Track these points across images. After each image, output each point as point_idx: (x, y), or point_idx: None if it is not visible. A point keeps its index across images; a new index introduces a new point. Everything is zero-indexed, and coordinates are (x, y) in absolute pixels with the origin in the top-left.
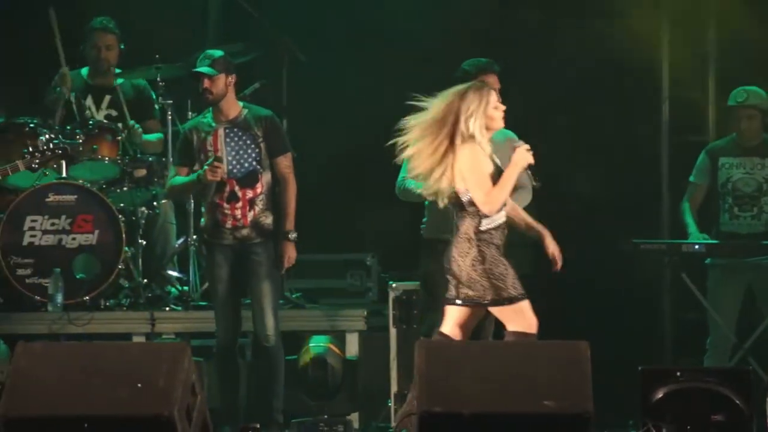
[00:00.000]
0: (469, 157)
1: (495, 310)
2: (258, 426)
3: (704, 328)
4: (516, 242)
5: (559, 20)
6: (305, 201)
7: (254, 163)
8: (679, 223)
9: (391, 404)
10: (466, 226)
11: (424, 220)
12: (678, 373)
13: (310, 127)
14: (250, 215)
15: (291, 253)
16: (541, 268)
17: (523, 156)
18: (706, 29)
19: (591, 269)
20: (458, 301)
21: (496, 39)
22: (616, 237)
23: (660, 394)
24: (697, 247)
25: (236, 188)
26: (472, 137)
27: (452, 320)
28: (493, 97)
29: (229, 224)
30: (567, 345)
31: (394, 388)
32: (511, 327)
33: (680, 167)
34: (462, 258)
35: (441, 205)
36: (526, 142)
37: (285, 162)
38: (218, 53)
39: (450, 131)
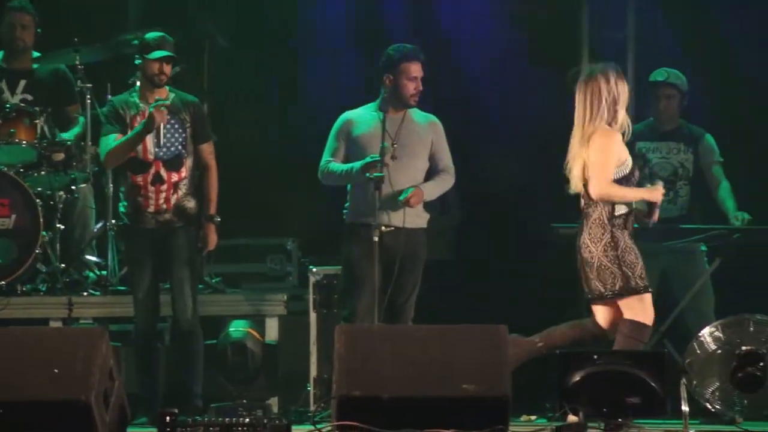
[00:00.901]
0: (600, 141)
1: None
2: (176, 411)
3: None
4: (435, 228)
5: (477, 3)
6: (225, 185)
7: (180, 147)
8: None
9: (311, 388)
10: (600, 211)
11: (347, 204)
12: (595, 356)
13: (230, 111)
14: (174, 199)
15: (213, 237)
16: (460, 253)
17: (657, 193)
18: (626, 12)
19: (511, 253)
20: (589, 296)
21: (415, 25)
22: (536, 221)
23: (577, 377)
24: None
25: (162, 171)
26: (606, 123)
27: (597, 314)
28: (623, 81)
29: (151, 208)
30: (486, 329)
31: (313, 373)
32: (629, 316)
33: None
34: (594, 244)
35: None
36: (447, 127)
37: (209, 149)
38: (170, 38)
39: (586, 117)
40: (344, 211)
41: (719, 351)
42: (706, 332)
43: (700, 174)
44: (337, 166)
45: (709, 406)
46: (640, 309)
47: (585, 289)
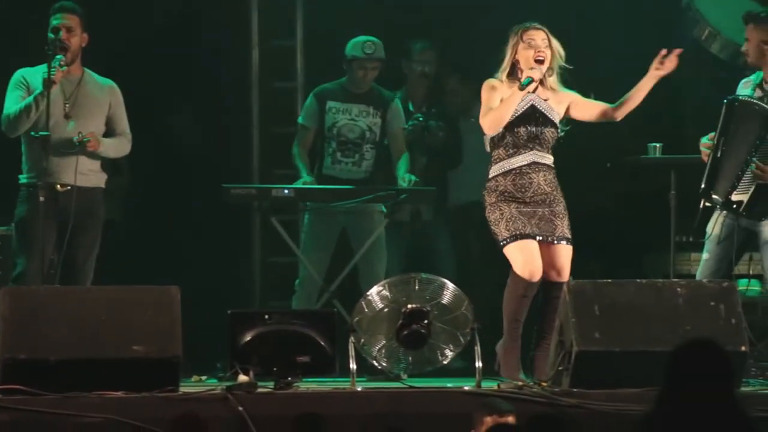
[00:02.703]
0: (482, 91)
1: None
2: None
3: (294, 271)
4: (109, 189)
5: None
6: None
7: None
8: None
9: None
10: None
11: (25, 167)
12: (266, 316)
13: None
14: None
15: None
16: (134, 215)
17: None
18: None
19: (182, 214)
20: None
21: None
22: (208, 181)
23: (248, 337)
24: (286, 192)
25: None
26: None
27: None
28: (527, 36)
29: None
30: (157, 290)
31: None
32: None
33: (269, 112)
34: None
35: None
36: (124, 86)
37: None
38: None
39: None
40: (21, 173)
41: (386, 309)
42: (374, 291)
43: (386, 138)
44: (18, 105)
45: (376, 364)
46: (513, 261)
47: None
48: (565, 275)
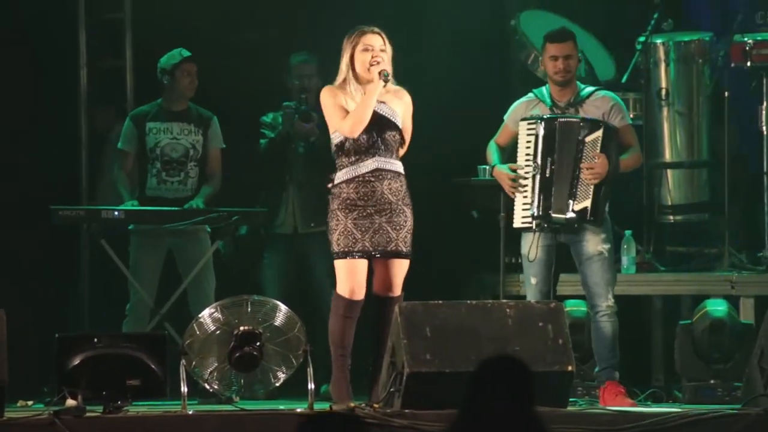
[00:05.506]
0: (321, 100)
1: None
2: None
3: (125, 293)
4: None
5: None
6: None
7: None
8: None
9: None
10: None
11: None
12: (95, 339)
13: None
14: None
15: None
16: None
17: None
18: None
19: (8, 235)
20: None
21: None
22: (36, 202)
23: (76, 361)
24: (116, 213)
25: None
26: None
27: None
28: (363, 40)
29: None
30: None
31: None
32: None
33: (98, 133)
34: None
35: None
36: None
37: None
38: None
39: None
40: None
41: (218, 332)
42: (206, 313)
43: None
44: None
45: (208, 387)
46: (337, 275)
47: None
48: (396, 290)
